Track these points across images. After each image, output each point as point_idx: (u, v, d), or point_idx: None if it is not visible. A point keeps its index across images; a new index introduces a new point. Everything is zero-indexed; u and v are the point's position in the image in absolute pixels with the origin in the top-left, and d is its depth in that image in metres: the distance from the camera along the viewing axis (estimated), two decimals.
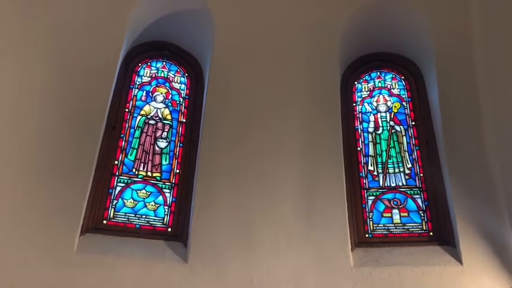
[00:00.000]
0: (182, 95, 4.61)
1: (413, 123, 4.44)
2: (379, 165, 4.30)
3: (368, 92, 4.75)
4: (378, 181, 4.22)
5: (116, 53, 4.06)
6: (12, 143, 3.42)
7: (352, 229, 3.83)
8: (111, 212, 3.77)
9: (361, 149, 4.38)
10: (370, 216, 4.03)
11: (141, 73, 4.58)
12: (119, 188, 3.90)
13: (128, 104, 4.31)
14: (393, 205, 4.07)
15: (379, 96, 4.71)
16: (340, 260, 3.54)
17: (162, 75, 4.66)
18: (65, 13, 3.98)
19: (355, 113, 4.60)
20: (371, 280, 3.44)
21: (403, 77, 4.77)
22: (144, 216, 3.85)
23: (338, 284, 3.44)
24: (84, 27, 4.00)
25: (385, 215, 4.04)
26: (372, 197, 4.12)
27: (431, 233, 3.87)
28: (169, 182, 4.07)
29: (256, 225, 3.64)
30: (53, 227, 3.28)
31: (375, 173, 4.26)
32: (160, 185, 4.04)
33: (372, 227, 3.97)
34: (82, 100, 3.74)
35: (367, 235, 3.92)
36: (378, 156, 4.35)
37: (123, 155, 4.06)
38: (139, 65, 4.61)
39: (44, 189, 3.37)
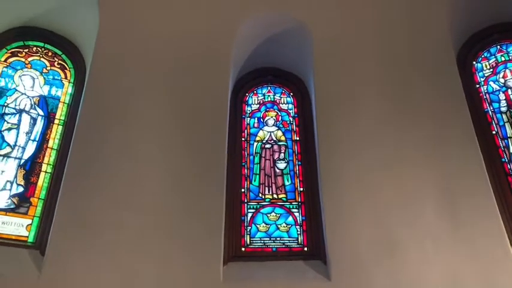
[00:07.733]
0: (291, 114, 4.66)
1: None
2: None
3: (491, 70, 4.33)
4: None
5: (225, 89, 4.28)
6: (151, 189, 3.70)
7: (507, 222, 3.42)
8: (247, 239, 3.89)
9: (497, 132, 3.97)
10: None
11: (250, 102, 4.77)
12: (250, 215, 4.02)
13: (243, 133, 4.49)
14: None
15: (505, 71, 4.28)
16: (500, 256, 3.21)
17: (269, 99, 4.79)
18: (176, 63, 4.31)
19: (481, 94, 4.21)
20: None
21: None
22: (279, 239, 3.89)
23: (503, 282, 3.12)
24: (192, 71, 4.28)
25: None
26: None
27: None
28: (296, 201, 4.09)
29: (396, 231, 3.45)
30: (197, 261, 3.45)
31: None
32: (287, 206, 4.07)
33: None
34: (203, 139, 3.97)
35: None
36: None
37: (248, 182, 4.19)
38: (247, 94, 4.80)
39: (185, 228, 3.56)
